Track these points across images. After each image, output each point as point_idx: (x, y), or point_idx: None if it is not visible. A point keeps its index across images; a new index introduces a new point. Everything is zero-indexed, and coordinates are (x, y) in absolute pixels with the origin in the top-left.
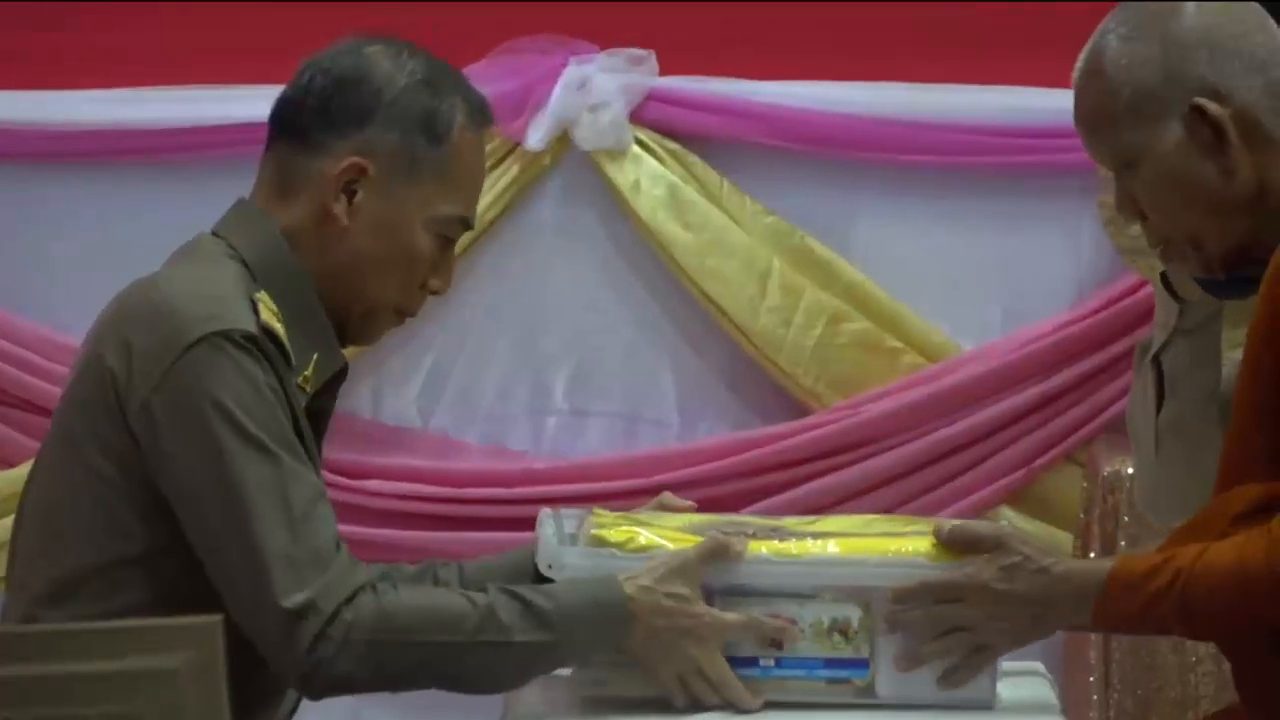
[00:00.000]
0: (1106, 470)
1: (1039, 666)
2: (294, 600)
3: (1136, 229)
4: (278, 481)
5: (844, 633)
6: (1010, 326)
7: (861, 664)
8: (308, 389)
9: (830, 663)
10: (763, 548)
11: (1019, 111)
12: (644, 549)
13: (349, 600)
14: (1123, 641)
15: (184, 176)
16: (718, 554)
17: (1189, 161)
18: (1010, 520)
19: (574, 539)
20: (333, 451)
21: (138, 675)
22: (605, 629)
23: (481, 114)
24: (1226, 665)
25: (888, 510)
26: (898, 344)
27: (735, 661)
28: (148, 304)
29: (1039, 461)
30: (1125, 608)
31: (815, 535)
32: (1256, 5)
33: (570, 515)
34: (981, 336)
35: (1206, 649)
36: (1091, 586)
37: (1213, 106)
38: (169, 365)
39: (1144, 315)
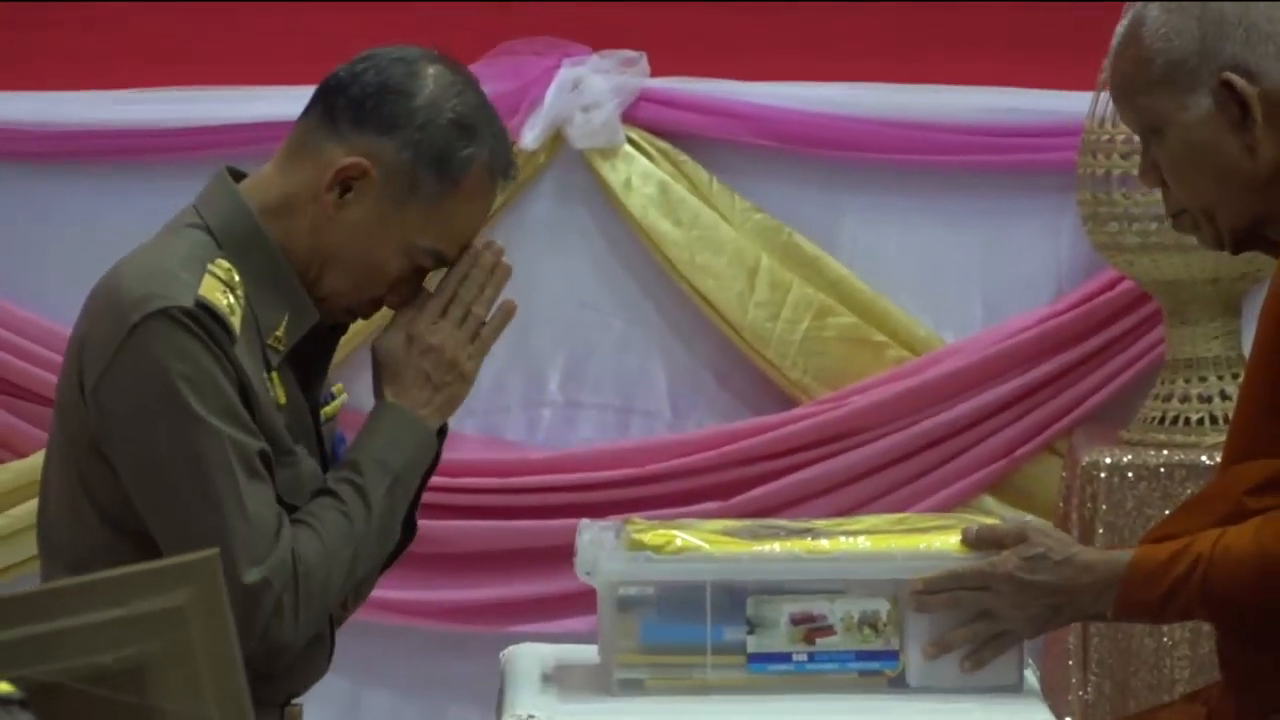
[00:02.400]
0: (1085, 460)
1: None
2: (252, 577)
3: (1114, 226)
4: (221, 453)
5: (874, 626)
6: (992, 320)
7: (892, 655)
8: (280, 348)
9: (862, 655)
10: (795, 546)
11: (1000, 111)
12: (680, 551)
13: (294, 574)
14: (1100, 627)
15: (183, 176)
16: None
17: (1215, 134)
18: (992, 509)
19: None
20: None
21: (144, 618)
22: (390, 420)
23: (502, 171)
24: (1202, 650)
25: (872, 500)
26: (882, 337)
27: (769, 657)
28: (106, 287)
29: (1020, 452)
30: (1147, 596)
31: (846, 534)
32: None
33: (607, 526)
34: (963, 330)
35: (1182, 634)
36: (1114, 576)
37: (1241, 83)
38: (115, 348)
39: (1121, 310)
